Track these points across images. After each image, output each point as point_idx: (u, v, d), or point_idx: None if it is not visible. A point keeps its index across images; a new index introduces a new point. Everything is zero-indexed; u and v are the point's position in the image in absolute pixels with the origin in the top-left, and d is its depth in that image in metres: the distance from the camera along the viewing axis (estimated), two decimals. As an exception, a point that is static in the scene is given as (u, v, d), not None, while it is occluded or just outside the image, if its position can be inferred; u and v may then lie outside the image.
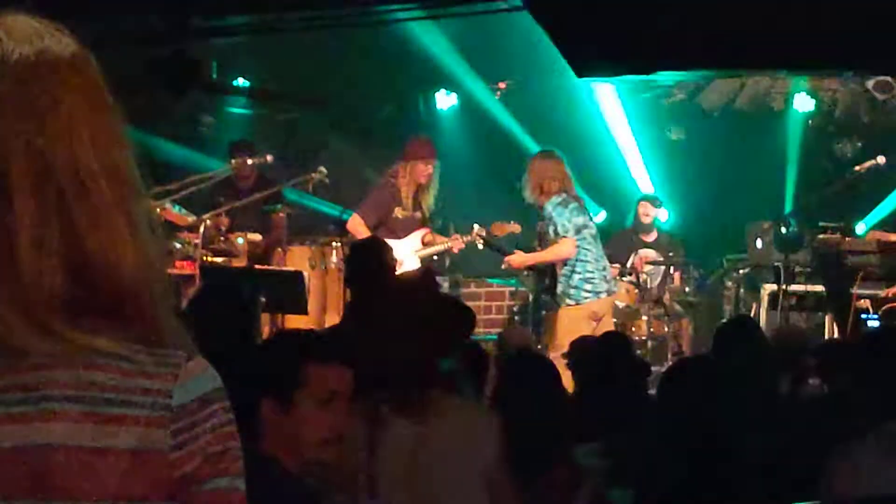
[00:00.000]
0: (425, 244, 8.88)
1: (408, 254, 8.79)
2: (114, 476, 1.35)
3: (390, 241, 8.50)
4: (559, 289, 8.32)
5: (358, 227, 8.71)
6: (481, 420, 3.32)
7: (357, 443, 3.17)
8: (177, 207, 9.53)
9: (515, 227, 9.22)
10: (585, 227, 8.33)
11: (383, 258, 5.72)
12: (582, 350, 5.80)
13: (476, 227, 9.01)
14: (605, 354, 5.35)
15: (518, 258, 8.70)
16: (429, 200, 8.84)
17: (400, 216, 8.73)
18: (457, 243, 9.07)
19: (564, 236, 8.22)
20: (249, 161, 9.92)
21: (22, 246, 1.34)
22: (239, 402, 2.96)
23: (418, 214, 8.82)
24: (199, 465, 1.39)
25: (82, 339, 1.35)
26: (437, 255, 9.17)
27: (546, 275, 8.74)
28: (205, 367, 1.43)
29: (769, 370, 5.18)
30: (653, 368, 6.62)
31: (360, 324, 5.07)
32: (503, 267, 9.04)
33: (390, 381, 3.21)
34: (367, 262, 5.64)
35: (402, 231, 8.74)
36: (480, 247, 8.99)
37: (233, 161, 9.90)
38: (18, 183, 1.35)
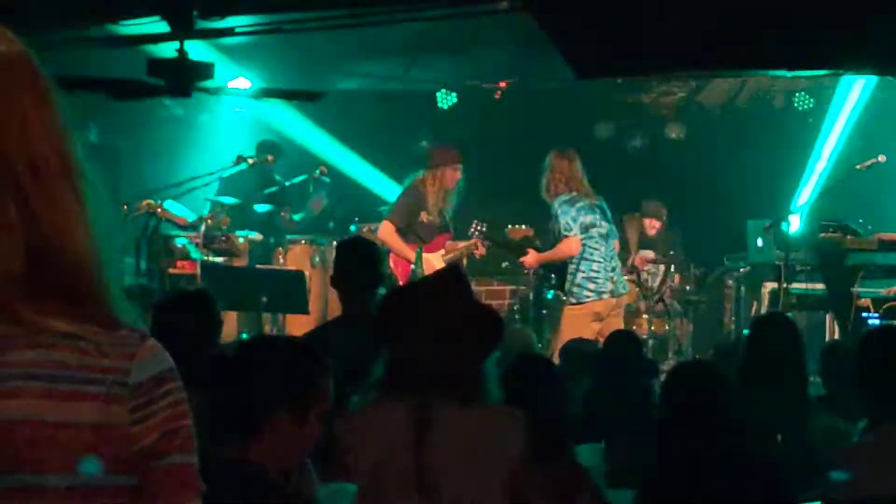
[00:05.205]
0: (448, 252, 8.90)
1: (438, 263, 8.81)
2: (77, 449, 1.40)
3: (424, 255, 8.56)
4: (565, 287, 8.33)
5: (389, 234, 8.68)
6: (508, 418, 3.31)
7: (404, 440, 3.16)
8: (176, 207, 9.53)
9: (528, 232, 9.22)
10: (594, 225, 8.30)
11: (372, 256, 5.61)
12: (586, 350, 5.80)
13: (477, 230, 9.01)
14: (614, 354, 5.34)
15: (531, 258, 8.70)
16: (450, 206, 8.85)
17: (425, 221, 8.73)
18: (480, 249, 9.10)
19: (566, 235, 8.22)
20: (251, 161, 9.95)
21: None
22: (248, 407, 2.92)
23: (440, 220, 8.83)
24: (157, 440, 1.45)
25: (40, 321, 1.39)
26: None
27: (548, 273, 8.74)
28: (158, 347, 1.48)
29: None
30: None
31: (353, 326, 5.03)
32: (524, 271, 9.03)
33: (438, 380, 3.18)
34: (356, 260, 5.53)
35: (427, 235, 8.74)
36: (483, 249, 8.99)
37: (250, 161, 9.94)
38: None
